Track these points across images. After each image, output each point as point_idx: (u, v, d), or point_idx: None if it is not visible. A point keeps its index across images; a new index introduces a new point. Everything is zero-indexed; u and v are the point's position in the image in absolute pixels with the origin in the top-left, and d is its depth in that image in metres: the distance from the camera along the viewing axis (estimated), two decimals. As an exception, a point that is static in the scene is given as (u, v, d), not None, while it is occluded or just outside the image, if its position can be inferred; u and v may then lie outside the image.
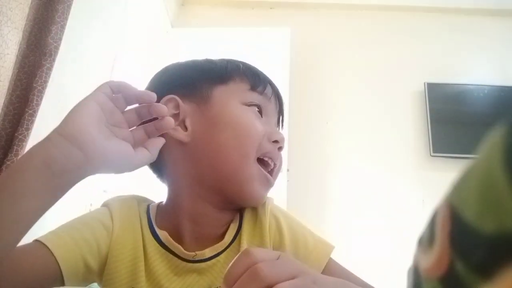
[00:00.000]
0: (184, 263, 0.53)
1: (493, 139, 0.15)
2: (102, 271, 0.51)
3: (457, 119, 2.34)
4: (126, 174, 0.49)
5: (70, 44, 1.27)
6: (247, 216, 0.56)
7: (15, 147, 1.01)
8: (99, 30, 1.61)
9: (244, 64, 0.60)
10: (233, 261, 0.35)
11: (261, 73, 0.60)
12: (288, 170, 2.19)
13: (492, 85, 2.38)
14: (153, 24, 2.28)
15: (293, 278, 0.33)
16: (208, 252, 0.53)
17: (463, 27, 2.54)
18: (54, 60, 1.11)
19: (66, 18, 1.15)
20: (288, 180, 2.17)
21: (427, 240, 0.18)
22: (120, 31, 1.81)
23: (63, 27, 1.13)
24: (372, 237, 2.08)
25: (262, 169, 0.54)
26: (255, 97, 0.56)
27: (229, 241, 0.54)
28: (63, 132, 0.41)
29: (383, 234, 2.08)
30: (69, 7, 1.15)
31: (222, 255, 0.54)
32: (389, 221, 2.10)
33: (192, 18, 2.65)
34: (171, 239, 0.53)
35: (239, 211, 0.58)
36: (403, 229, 1.89)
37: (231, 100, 0.55)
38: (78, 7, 1.23)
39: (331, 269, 0.53)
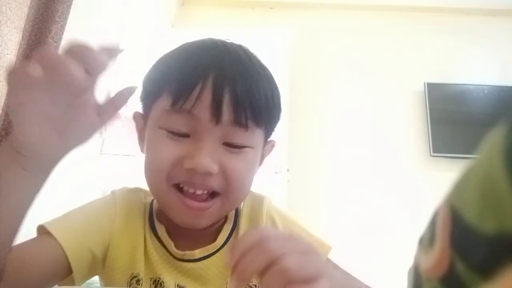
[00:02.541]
0: (174, 260, 0.53)
1: (493, 139, 0.15)
2: (105, 258, 0.52)
3: (457, 119, 2.34)
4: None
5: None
6: (244, 219, 0.56)
7: (15, 147, 1.00)
8: (99, 30, 1.61)
9: (178, 60, 0.51)
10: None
11: (192, 70, 0.47)
12: (288, 170, 2.19)
13: (492, 85, 2.38)
14: (153, 24, 2.28)
15: (316, 279, 0.31)
16: (198, 253, 0.53)
17: (463, 27, 2.54)
18: (54, 60, 1.11)
19: (66, 18, 1.15)
20: (288, 180, 2.17)
21: (427, 240, 0.18)
22: (120, 31, 1.81)
23: (63, 27, 1.13)
24: (372, 236, 2.08)
25: (180, 196, 0.48)
26: (174, 120, 0.47)
27: (222, 243, 0.54)
28: (23, 151, 0.36)
29: (383, 234, 2.08)
30: (69, 7, 1.15)
31: (213, 257, 0.53)
32: (389, 221, 2.10)
33: (192, 18, 2.65)
34: (166, 234, 0.54)
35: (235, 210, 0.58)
36: (403, 229, 1.89)
37: (153, 121, 0.50)
38: (78, 7, 1.23)
39: None
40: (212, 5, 2.70)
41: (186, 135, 0.47)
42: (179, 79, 0.48)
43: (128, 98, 0.40)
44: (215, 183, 0.48)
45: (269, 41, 2.34)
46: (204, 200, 0.48)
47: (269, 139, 0.57)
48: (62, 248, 0.46)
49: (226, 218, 0.57)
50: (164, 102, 0.48)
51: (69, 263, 0.46)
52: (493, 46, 2.47)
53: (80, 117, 0.38)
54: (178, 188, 0.48)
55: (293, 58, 2.38)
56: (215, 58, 0.49)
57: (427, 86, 2.38)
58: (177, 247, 0.53)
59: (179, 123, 0.47)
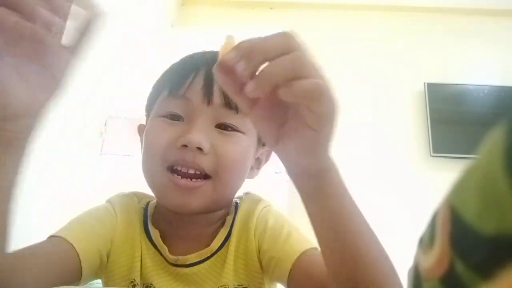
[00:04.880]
0: (169, 266, 0.53)
1: (493, 139, 0.15)
2: (106, 263, 0.53)
3: (457, 119, 2.34)
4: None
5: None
6: (237, 224, 0.55)
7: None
8: (98, 30, 1.61)
9: (175, 64, 0.56)
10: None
11: (186, 67, 0.53)
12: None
13: (492, 85, 2.38)
14: (153, 24, 2.28)
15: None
16: (192, 257, 0.52)
17: (463, 27, 2.54)
18: (54, 60, 1.11)
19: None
20: (288, 181, 2.17)
21: (427, 241, 0.18)
22: (120, 31, 1.81)
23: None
24: (372, 237, 2.08)
25: (172, 177, 0.49)
26: (170, 105, 0.51)
27: (216, 248, 0.53)
28: (4, 118, 0.34)
29: (383, 234, 2.08)
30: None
31: (207, 262, 0.53)
32: (389, 221, 2.11)
33: (192, 18, 2.65)
34: (160, 239, 0.54)
35: (232, 212, 0.57)
36: (403, 229, 1.89)
37: (152, 115, 0.54)
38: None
39: (303, 262, 0.47)
40: (212, 5, 2.70)
41: (180, 118, 0.51)
42: (176, 74, 0.53)
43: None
44: (206, 163, 0.49)
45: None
46: (196, 181, 0.49)
47: (264, 145, 0.57)
48: (75, 249, 0.46)
49: (223, 222, 0.56)
50: (163, 96, 0.53)
51: (80, 266, 0.46)
52: (493, 46, 2.47)
53: (45, 64, 0.35)
54: (172, 171, 0.49)
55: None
56: (208, 57, 0.53)
57: (427, 86, 2.38)
58: (171, 251, 0.53)
59: (174, 107, 0.51)
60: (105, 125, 1.80)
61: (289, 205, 2.02)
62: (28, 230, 1.11)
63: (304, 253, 0.48)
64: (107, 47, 1.70)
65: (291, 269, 0.47)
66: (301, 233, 0.53)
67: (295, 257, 0.48)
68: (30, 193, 1.19)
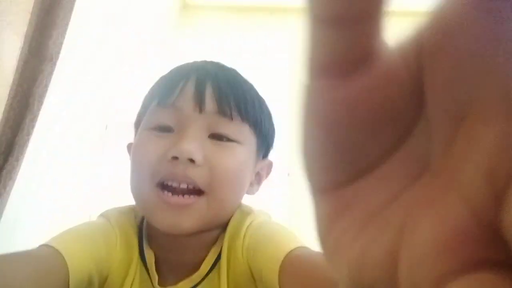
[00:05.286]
0: None
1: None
2: (102, 286, 0.48)
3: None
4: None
5: (70, 48, 1.27)
6: (225, 244, 0.49)
7: (15, 152, 1.00)
8: (99, 34, 1.62)
9: (163, 76, 0.52)
10: None
11: (175, 76, 0.49)
12: (288, 174, 2.17)
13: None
14: (154, 28, 2.29)
15: None
16: (182, 285, 0.48)
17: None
18: (55, 64, 1.11)
19: (67, 23, 1.15)
20: (289, 185, 2.16)
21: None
22: (120, 35, 1.81)
23: (64, 31, 1.13)
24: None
25: (162, 194, 0.44)
26: (159, 116, 0.48)
27: (206, 272, 0.48)
28: None
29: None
30: (70, 11, 1.15)
31: (199, 287, 0.48)
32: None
33: (193, 22, 2.66)
34: (154, 265, 0.49)
35: (224, 231, 0.50)
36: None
37: (140, 128, 0.50)
38: (78, 11, 1.23)
39: (290, 263, 0.42)
40: (213, 9, 2.70)
41: (170, 129, 0.47)
42: (165, 84, 0.50)
43: None
44: (199, 176, 0.44)
45: (271, 45, 2.34)
46: (188, 197, 0.45)
47: (264, 157, 0.54)
48: (67, 268, 0.41)
49: (216, 240, 0.51)
50: (151, 107, 0.49)
51: (68, 284, 0.42)
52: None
53: None
54: (162, 187, 0.45)
55: (295, 62, 2.38)
56: (199, 64, 0.51)
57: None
58: (161, 280, 0.48)
59: (164, 118, 0.47)
60: (106, 127, 1.80)
61: (290, 211, 2.01)
62: (30, 232, 1.11)
63: (286, 257, 0.42)
64: (108, 50, 1.70)
65: (279, 280, 0.42)
66: (284, 233, 0.48)
67: (278, 266, 0.42)
68: (31, 195, 1.19)
